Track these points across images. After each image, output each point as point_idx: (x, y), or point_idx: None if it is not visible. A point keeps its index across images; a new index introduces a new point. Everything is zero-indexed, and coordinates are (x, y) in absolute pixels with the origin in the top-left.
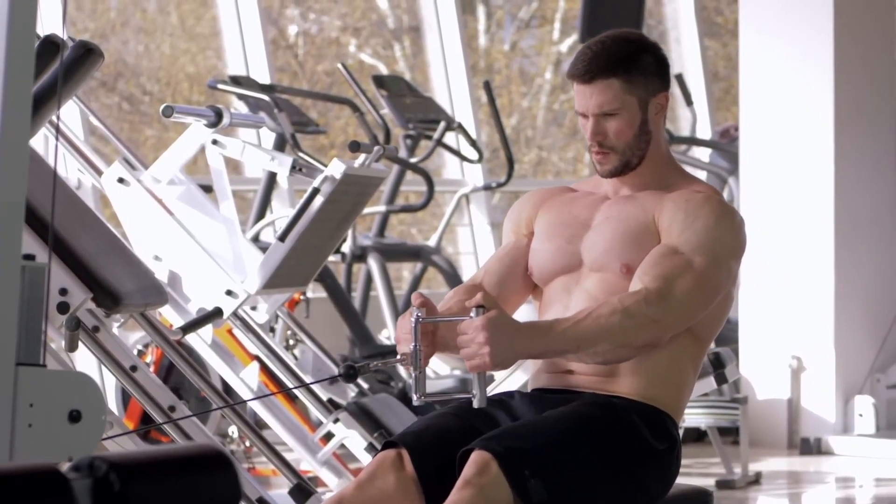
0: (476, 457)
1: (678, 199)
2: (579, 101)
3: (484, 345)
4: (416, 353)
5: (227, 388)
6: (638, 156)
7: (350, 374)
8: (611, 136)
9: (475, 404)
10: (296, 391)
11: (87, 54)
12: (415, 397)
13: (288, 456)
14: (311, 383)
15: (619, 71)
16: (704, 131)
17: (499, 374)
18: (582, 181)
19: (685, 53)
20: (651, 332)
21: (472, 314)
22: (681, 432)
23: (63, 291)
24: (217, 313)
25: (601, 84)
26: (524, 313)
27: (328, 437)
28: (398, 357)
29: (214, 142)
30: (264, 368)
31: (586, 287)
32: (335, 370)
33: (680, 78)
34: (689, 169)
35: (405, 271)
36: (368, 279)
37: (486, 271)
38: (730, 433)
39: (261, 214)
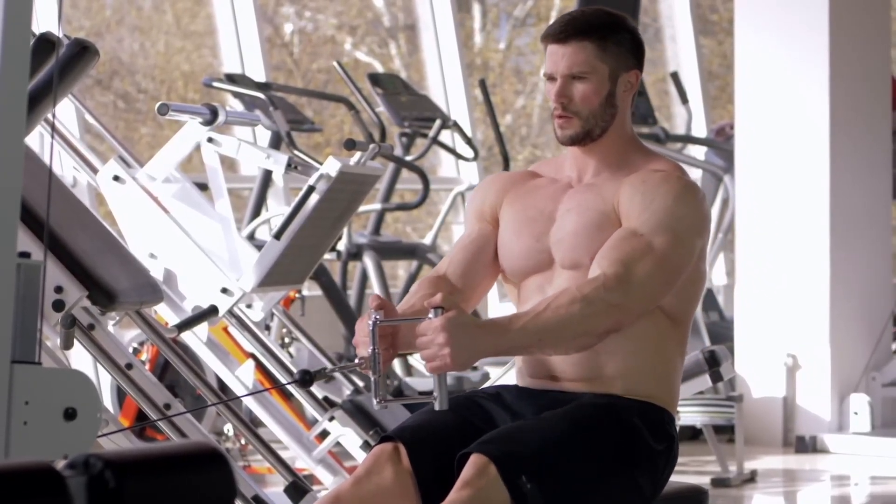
0: (475, 459)
1: (635, 181)
2: (550, 62)
3: (444, 346)
4: (374, 357)
5: (223, 386)
6: (601, 127)
7: (305, 380)
8: (576, 99)
9: (436, 406)
10: (291, 388)
11: (82, 52)
12: (375, 401)
13: (283, 454)
14: (263, 390)
15: (595, 36)
16: (700, 130)
17: (495, 371)
18: (543, 162)
19: (680, 51)
20: (612, 318)
21: (430, 314)
22: (677, 428)
23: (59, 289)
24: (212, 311)
25: (575, 45)
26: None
27: (323, 434)
28: (356, 361)
29: (210, 140)
30: (260, 366)
31: (559, 285)
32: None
33: (675, 76)
34: (684, 167)
35: (400, 269)
36: (364, 277)
37: (451, 261)
38: (725, 431)
39: (256, 212)
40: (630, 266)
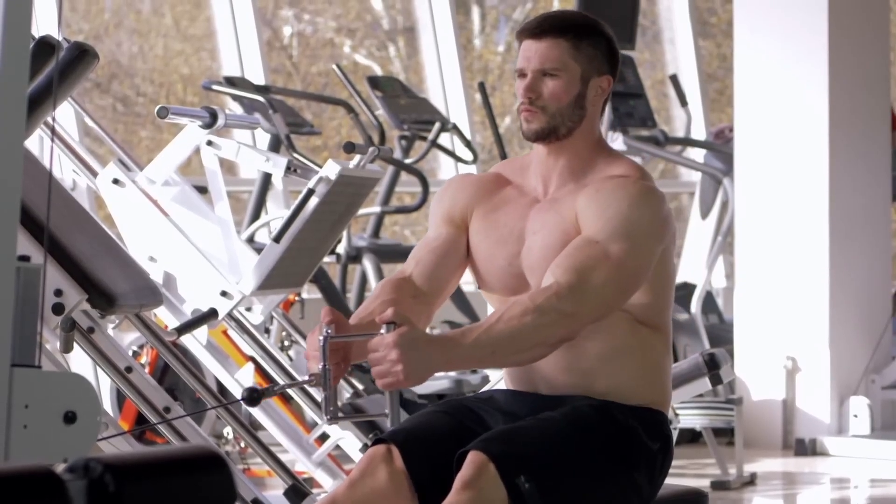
0: (473, 457)
1: (590, 191)
2: (522, 58)
3: (397, 362)
4: (324, 373)
5: (222, 390)
6: (567, 126)
7: (253, 398)
8: (545, 95)
9: (389, 423)
10: (289, 390)
11: (81, 55)
12: (325, 418)
13: (283, 457)
14: (204, 410)
15: (570, 35)
16: (699, 132)
17: (494, 375)
18: (508, 162)
19: (679, 54)
20: (565, 327)
21: (382, 330)
22: (675, 433)
23: (58, 292)
24: (212, 314)
25: (549, 41)
26: None
27: (323, 438)
28: (307, 377)
29: (209, 143)
30: (259, 369)
31: None
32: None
33: (674, 78)
34: (683, 170)
35: None
36: (363, 280)
37: (418, 262)
38: (725, 434)
39: (256, 215)
40: (583, 274)
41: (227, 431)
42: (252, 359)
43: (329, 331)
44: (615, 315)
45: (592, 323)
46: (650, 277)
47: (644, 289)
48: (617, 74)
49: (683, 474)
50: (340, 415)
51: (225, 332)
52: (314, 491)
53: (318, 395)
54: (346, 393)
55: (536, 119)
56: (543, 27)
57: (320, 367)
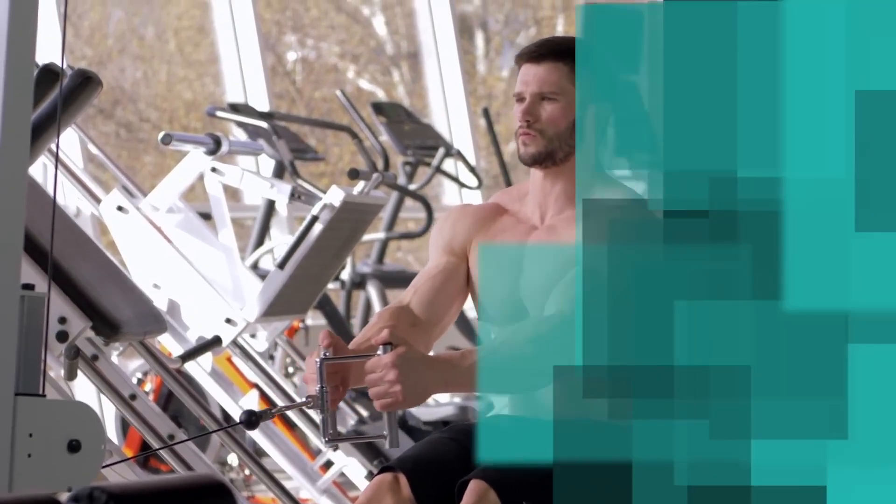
0: (475, 486)
1: None
2: (521, 82)
3: (395, 383)
4: (322, 395)
5: (227, 417)
6: (564, 151)
7: (252, 422)
8: (543, 119)
9: (387, 445)
10: (293, 416)
11: (85, 82)
12: (323, 440)
13: (287, 484)
14: (207, 433)
15: (569, 59)
16: None
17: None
18: (506, 191)
19: None
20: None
21: (379, 351)
22: None
23: (62, 320)
24: (216, 341)
25: (549, 65)
26: None
27: (328, 464)
28: (304, 399)
29: (213, 169)
30: (263, 396)
31: None
32: None
33: None
34: None
35: None
36: (367, 306)
37: (417, 291)
38: None
39: (260, 242)
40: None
41: (232, 458)
42: (256, 385)
43: (327, 353)
44: None
45: None
46: None
47: None
48: None
49: None
50: (339, 437)
51: (229, 359)
52: None
53: (318, 418)
54: (350, 420)
55: (534, 143)
56: (542, 51)
57: (318, 388)
